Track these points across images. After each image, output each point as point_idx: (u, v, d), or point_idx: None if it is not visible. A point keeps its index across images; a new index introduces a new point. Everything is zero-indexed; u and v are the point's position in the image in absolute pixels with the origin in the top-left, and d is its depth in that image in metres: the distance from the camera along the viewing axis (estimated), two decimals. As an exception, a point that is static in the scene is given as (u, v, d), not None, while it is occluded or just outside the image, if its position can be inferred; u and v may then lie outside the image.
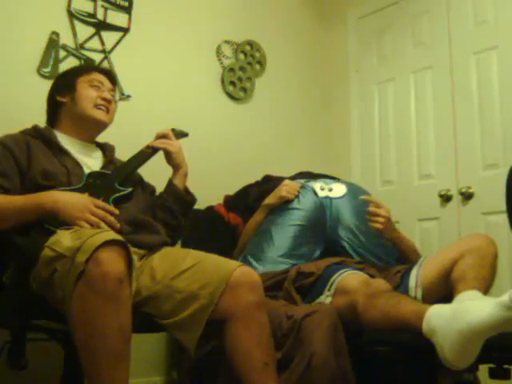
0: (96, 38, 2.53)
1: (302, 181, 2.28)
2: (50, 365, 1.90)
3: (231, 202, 2.56)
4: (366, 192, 2.40)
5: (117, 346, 1.30)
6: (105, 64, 2.51)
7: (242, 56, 3.08)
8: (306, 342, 1.63)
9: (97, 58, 2.50)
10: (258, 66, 3.15)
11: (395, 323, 1.55)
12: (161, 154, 1.92)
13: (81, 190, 1.64)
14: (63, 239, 1.40)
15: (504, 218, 1.92)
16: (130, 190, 1.76)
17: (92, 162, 1.82)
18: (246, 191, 2.55)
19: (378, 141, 3.23)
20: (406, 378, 1.81)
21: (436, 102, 2.96)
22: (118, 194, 1.72)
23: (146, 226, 1.73)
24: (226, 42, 3.02)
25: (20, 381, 2.00)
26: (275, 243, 2.11)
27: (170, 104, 2.72)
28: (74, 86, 1.83)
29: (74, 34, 2.46)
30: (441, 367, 1.47)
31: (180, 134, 1.96)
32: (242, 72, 3.05)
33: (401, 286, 1.87)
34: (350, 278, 1.79)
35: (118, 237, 1.36)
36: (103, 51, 2.54)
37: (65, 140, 1.79)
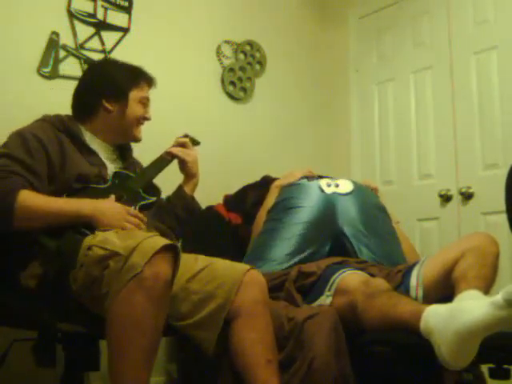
0: (96, 38, 2.53)
1: (305, 180, 2.28)
2: (50, 365, 1.90)
3: (230, 202, 2.56)
4: (369, 190, 2.39)
5: (149, 346, 1.33)
6: (105, 64, 2.51)
7: (242, 56, 3.08)
8: (307, 345, 1.64)
9: (97, 57, 2.50)
10: (258, 66, 3.15)
11: (394, 323, 1.55)
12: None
13: (107, 190, 1.66)
14: (112, 238, 1.42)
15: (504, 218, 1.91)
16: (155, 199, 1.78)
17: (113, 164, 1.82)
18: (244, 193, 2.54)
19: (378, 141, 3.23)
20: (406, 377, 1.81)
21: (436, 101, 2.96)
22: (144, 202, 1.73)
23: (165, 235, 1.73)
24: (226, 42, 3.02)
25: (20, 381, 2.00)
26: (283, 242, 2.09)
27: (170, 104, 2.72)
28: (126, 99, 1.79)
29: (74, 34, 2.46)
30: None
31: (193, 142, 1.96)
32: (242, 72, 3.05)
33: (402, 286, 1.87)
34: (350, 278, 1.78)
35: (170, 241, 1.40)
36: (103, 51, 2.54)
37: (92, 140, 1.77)
